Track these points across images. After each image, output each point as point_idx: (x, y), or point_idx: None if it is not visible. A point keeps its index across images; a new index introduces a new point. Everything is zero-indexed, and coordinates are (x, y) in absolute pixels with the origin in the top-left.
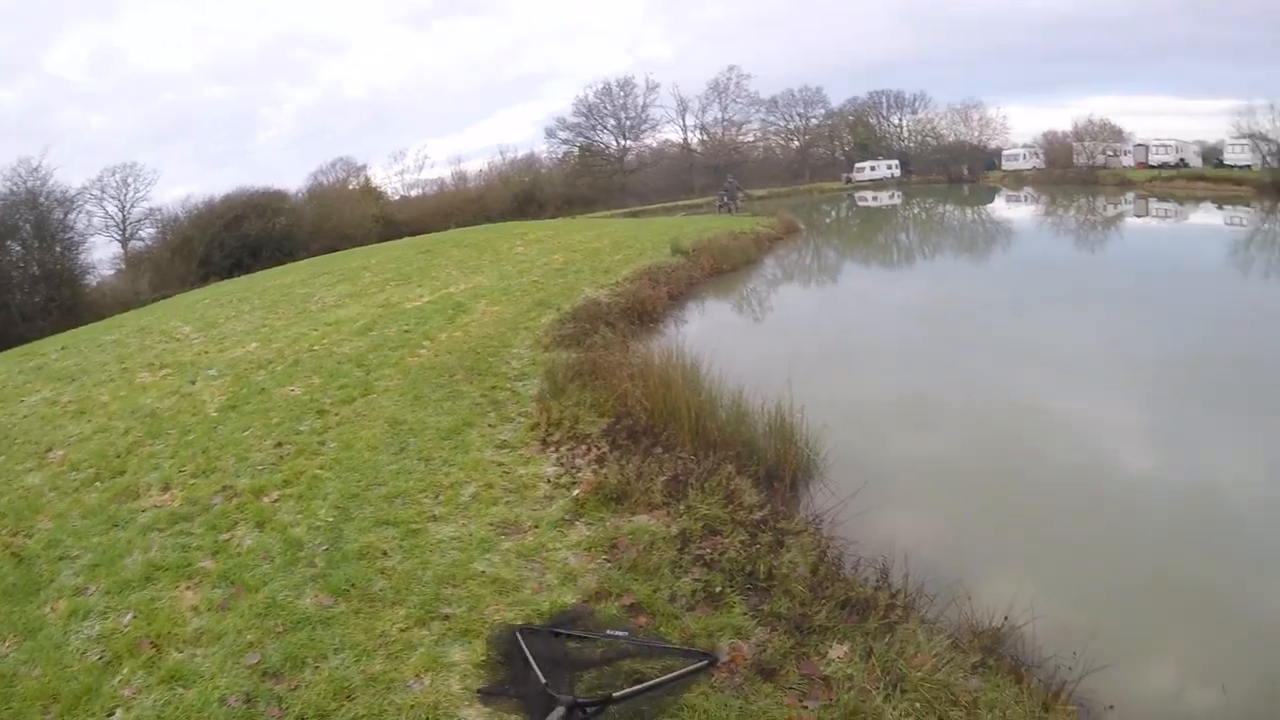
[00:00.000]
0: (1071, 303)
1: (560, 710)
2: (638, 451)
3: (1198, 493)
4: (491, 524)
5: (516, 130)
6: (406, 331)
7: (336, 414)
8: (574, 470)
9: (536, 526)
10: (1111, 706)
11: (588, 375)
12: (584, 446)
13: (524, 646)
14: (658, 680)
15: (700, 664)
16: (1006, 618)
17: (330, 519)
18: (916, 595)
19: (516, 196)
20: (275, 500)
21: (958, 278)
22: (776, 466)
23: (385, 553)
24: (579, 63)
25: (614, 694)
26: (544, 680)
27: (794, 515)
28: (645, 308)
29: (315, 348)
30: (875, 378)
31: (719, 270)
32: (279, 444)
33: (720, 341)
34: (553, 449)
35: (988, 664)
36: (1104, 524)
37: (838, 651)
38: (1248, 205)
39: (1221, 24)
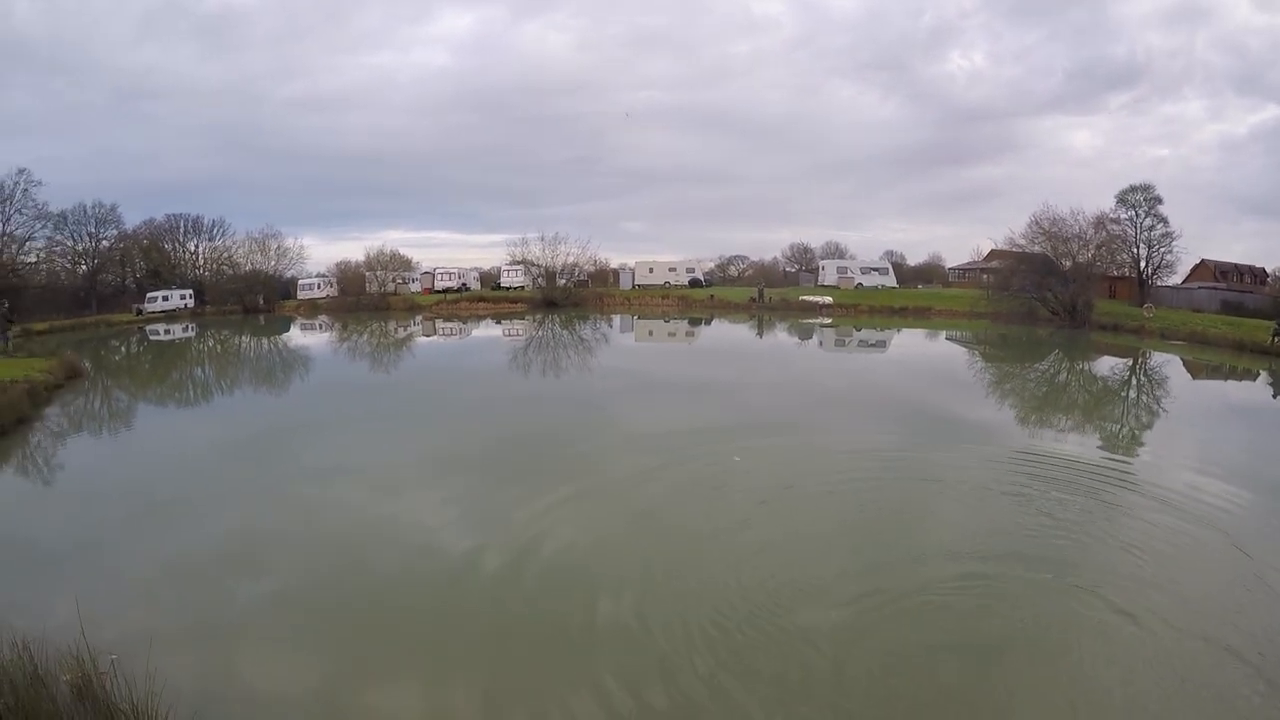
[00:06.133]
0: (372, 420)
1: None
2: None
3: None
4: None
5: None
6: None
7: None
8: None
9: None
10: None
11: None
12: None
13: None
14: None
15: None
16: None
17: None
18: None
19: None
20: None
21: (257, 409)
22: None
23: None
24: None
25: None
26: None
27: None
28: None
29: None
30: (204, 549)
31: None
32: None
33: None
34: None
35: None
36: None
37: None
38: (523, 318)
39: (500, 172)
